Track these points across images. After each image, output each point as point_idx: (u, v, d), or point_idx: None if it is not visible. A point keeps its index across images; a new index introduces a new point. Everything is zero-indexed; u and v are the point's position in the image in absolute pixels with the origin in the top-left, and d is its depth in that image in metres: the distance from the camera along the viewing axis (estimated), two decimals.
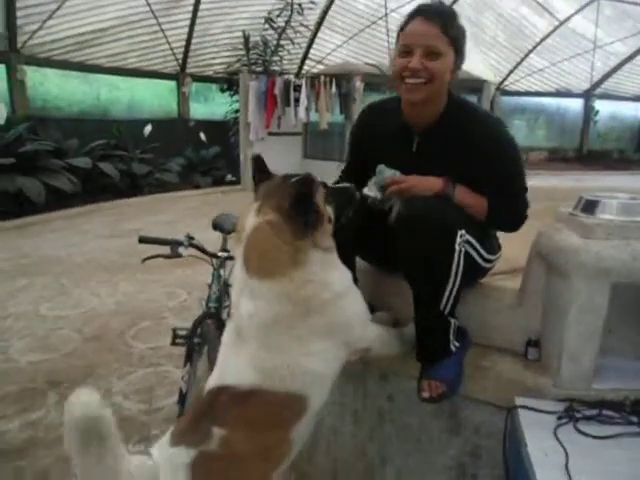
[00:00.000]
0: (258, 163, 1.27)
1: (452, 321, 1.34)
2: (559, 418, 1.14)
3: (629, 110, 12.19)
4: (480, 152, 1.34)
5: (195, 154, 8.25)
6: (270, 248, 1.12)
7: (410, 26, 1.33)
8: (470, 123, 1.37)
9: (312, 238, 1.14)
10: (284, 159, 7.47)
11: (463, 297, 1.34)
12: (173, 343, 1.99)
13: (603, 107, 11.68)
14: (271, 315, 1.12)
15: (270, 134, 7.91)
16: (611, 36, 10.03)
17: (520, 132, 11.70)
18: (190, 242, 1.80)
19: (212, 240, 2.04)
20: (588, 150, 11.77)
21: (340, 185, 1.35)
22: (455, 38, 1.32)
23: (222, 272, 1.92)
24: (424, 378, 1.32)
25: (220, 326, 1.85)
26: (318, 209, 1.15)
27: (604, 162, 10.73)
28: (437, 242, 1.26)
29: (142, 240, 1.79)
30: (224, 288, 1.93)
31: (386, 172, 1.37)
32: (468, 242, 1.31)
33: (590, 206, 1.25)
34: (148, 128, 7.51)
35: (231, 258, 1.94)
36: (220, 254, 1.89)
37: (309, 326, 1.14)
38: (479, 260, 1.38)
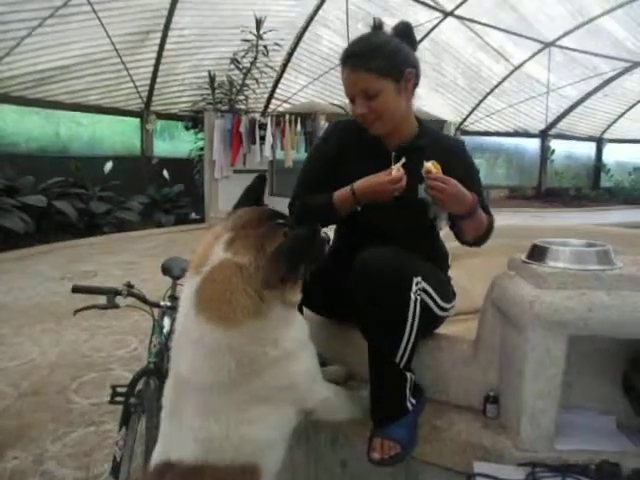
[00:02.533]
0: (258, 187, 1.19)
1: (409, 376, 1.25)
2: None
3: (583, 149, 12.78)
4: (458, 164, 1.37)
5: (158, 192, 8.09)
6: (232, 291, 0.97)
7: (343, 76, 1.35)
8: (441, 138, 1.46)
9: (281, 292, 1.02)
10: None
11: (417, 349, 1.26)
12: (112, 401, 1.82)
13: (559, 146, 12.20)
14: (211, 373, 0.99)
15: (235, 172, 7.88)
16: (563, 80, 10.59)
17: (481, 170, 11.93)
18: (129, 291, 1.66)
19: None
20: (546, 188, 12.19)
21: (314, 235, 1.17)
22: (384, 68, 1.30)
23: (165, 323, 1.78)
24: (376, 436, 1.21)
25: (161, 384, 1.70)
26: (303, 262, 1.04)
27: (562, 199, 11.12)
28: (392, 291, 1.19)
29: (75, 290, 1.65)
30: (167, 341, 1.79)
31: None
32: (424, 290, 1.25)
33: (542, 253, 1.20)
34: (109, 165, 7.34)
35: (173, 308, 1.81)
36: (162, 303, 1.75)
37: (250, 390, 1.01)
38: (435, 309, 1.31)
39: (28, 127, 7.33)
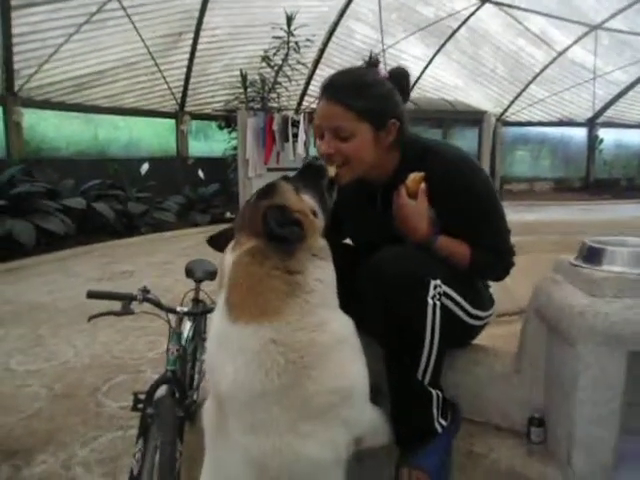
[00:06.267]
0: (214, 246, 1.17)
1: (435, 393, 1.11)
2: None
3: (634, 137, 12.02)
4: (447, 196, 1.19)
5: (193, 192, 8.16)
6: (256, 281, 0.93)
7: (318, 105, 1.23)
8: (430, 169, 1.22)
9: (304, 247, 0.97)
10: None
11: (449, 363, 1.12)
12: (134, 409, 1.77)
13: (607, 135, 11.53)
14: (259, 380, 0.89)
15: (269, 170, 7.83)
16: (610, 65, 9.98)
17: (524, 163, 11.56)
18: (145, 296, 1.60)
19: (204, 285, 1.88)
20: (595, 179, 11.56)
21: (302, 167, 1.19)
22: (366, 110, 1.16)
23: (184, 328, 1.72)
24: (403, 466, 1.09)
25: (179, 393, 1.63)
26: (295, 216, 0.97)
27: (612, 191, 10.50)
28: (405, 295, 1.08)
29: (91, 295, 1.60)
30: (186, 347, 1.72)
31: None
32: (446, 295, 1.12)
33: (595, 255, 1.03)
34: (145, 166, 7.46)
35: (191, 314, 1.74)
36: (179, 309, 1.68)
37: (302, 397, 0.90)
38: (463, 316, 1.18)
39: (68, 131, 7.54)
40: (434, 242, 1.18)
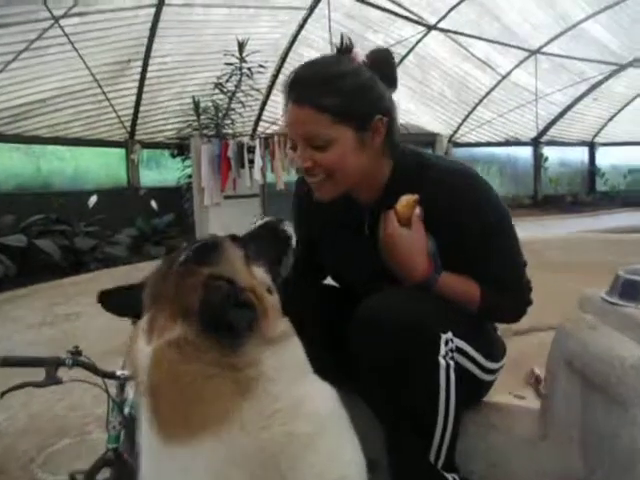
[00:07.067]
0: (109, 307, 0.87)
1: (451, 479, 0.89)
2: None
3: (576, 155, 12.66)
4: (451, 221, 0.97)
5: (146, 224, 7.78)
6: (191, 379, 0.67)
7: (285, 109, 0.97)
8: (428, 185, 0.99)
9: (255, 335, 0.71)
10: (243, 222, 7.15)
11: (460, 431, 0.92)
12: None
13: (551, 153, 12.07)
14: None
15: (226, 197, 7.62)
16: (550, 87, 10.51)
17: None
18: (75, 360, 1.29)
19: None
20: (543, 196, 12.02)
21: (256, 228, 0.92)
22: (341, 108, 0.93)
23: (127, 396, 1.40)
24: None
25: (126, 477, 1.33)
26: (245, 295, 0.71)
27: (559, 206, 10.95)
28: (409, 355, 0.85)
29: (5, 363, 1.31)
30: (132, 413, 1.41)
31: None
32: (459, 350, 0.91)
33: (635, 289, 0.89)
34: (93, 199, 7.04)
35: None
36: (119, 373, 1.35)
37: None
38: (479, 373, 0.97)
39: (7, 164, 7.04)
40: (435, 281, 0.96)
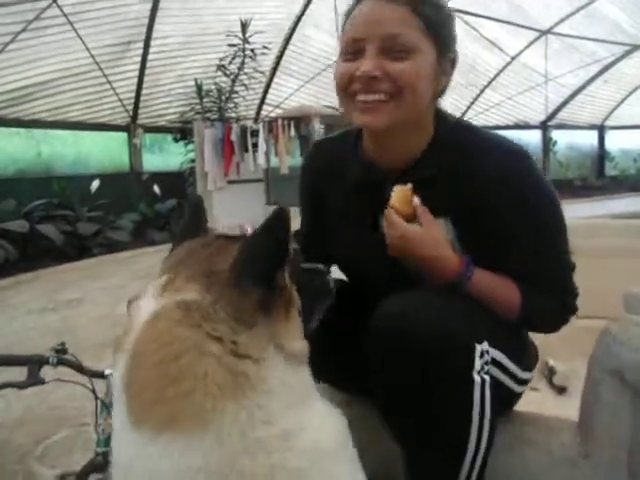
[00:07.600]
0: (195, 213, 0.80)
1: None
2: None
3: (586, 139, 12.44)
4: (491, 205, 0.83)
5: (149, 209, 7.71)
6: (182, 349, 0.57)
7: (359, 9, 0.82)
8: (473, 161, 0.85)
9: (270, 328, 0.61)
10: (246, 207, 7.13)
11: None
12: None
13: (560, 137, 11.85)
14: None
15: (230, 182, 7.52)
16: (561, 68, 10.26)
17: None
18: (60, 358, 1.22)
19: None
20: (552, 180, 11.79)
21: (311, 265, 0.80)
22: (435, 23, 0.82)
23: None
24: None
25: None
26: (283, 282, 0.64)
27: (568, 191, 10.77)
28: (439, 370, 0.73)
29: None
30: None
31: None
32: (495, 362, 0.78)
33: None
34: (95, 184, 6.96)
35: None
36: (107, 372, 1.27)
37: None
38: (513, 386, 0.85)
39: (7, 149, 6.95)
40: (467, 279, 0.81)
